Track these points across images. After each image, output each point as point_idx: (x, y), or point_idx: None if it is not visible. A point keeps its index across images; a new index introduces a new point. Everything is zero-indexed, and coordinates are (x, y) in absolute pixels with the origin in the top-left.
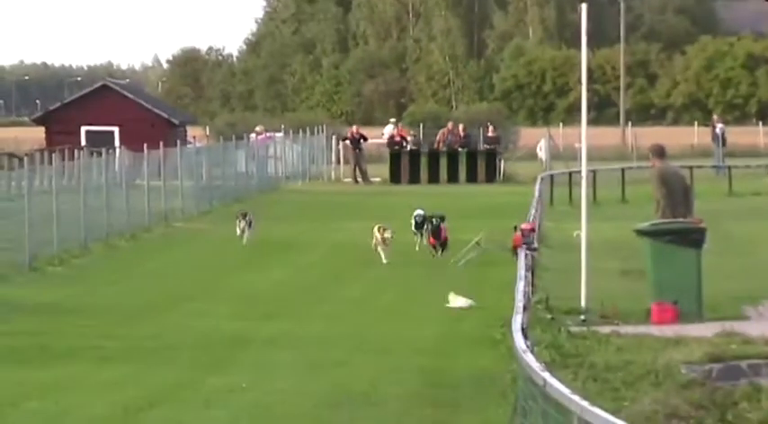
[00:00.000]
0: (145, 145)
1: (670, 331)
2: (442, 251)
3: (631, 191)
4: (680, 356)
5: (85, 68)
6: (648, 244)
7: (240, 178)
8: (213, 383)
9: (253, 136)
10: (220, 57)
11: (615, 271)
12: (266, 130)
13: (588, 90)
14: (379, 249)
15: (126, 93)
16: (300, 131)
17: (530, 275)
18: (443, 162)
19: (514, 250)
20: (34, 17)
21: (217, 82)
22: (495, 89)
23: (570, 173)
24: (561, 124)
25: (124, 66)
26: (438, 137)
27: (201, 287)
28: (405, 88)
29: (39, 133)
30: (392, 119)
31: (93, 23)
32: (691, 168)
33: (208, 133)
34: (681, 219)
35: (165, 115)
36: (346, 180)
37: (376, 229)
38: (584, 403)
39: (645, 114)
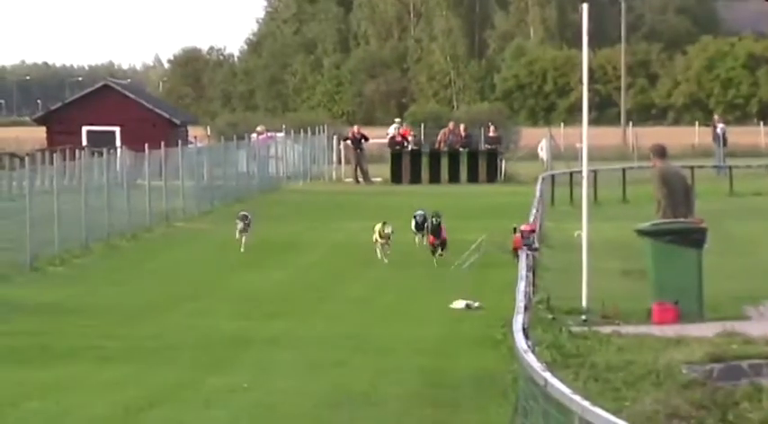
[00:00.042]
0: (146, 145)
1: (671, 331)
2: (442, 250)
3: (632, 191)
4: (681, 356)
5: (87, 68)
6: (649, 244)
7: (241, 178)
8: (214, 383)
9: (254, 136)
10: (221, 57)
11: (616, 271)
12: (267, 130)
13: (589, 90)
14: (377, 247)
15: (127, 93)
16: (301, 131)
17: (531, 275)
18: (444, 162)
19: (514, 251)
20: (35, 17)
21: (218, 82)
22: (496, 89)
23: (571, 173)
24: (562, 124)
25: (125, 66)
26: (439, 137)
27: (202, 287)
28: (406, 88)
29: (40, 133)
30: (397, 119)
31: (94, 23)
32: (692, 168)
33: (209, 133)
34: (682, 219)
35: (167, 115)
36: (347, 180)
37: (378, 226)
38: (586, 403)
39: (646, 114)
